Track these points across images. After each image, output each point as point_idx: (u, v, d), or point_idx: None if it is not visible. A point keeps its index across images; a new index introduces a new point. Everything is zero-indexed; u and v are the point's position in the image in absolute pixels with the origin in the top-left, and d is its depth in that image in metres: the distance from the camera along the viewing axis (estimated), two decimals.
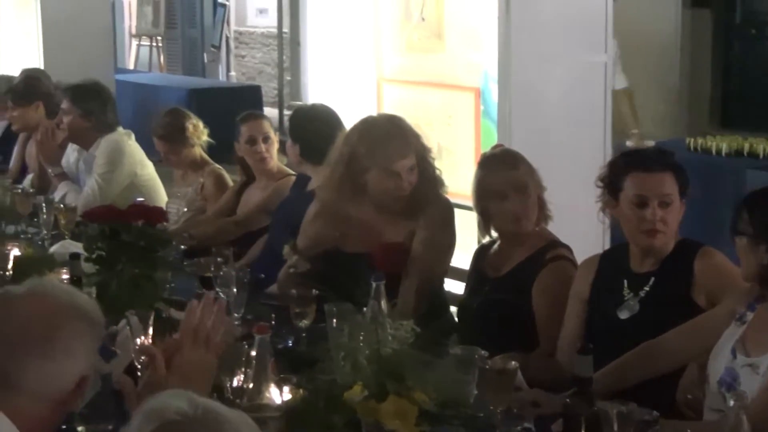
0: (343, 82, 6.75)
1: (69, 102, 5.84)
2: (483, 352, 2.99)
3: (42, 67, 8.92)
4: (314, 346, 3.36)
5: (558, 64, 5.42)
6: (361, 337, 2.97)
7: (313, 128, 4.78)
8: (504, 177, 3.84)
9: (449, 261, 4.23)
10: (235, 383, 2.92)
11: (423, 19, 5.98)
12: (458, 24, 5.82)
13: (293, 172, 5.25)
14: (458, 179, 4.83)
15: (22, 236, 4.99)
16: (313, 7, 6.85)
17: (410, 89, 6.17)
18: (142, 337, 3.22)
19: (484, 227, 3.94)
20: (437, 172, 4.19)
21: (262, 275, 4.08)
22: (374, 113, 5.83)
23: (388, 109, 6.16)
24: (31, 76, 6.79)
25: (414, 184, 4.09)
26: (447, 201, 4.21)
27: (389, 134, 4.09)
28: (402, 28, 6.13)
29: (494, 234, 3.95)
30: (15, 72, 7.79)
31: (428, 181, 4.14)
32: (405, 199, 4.10)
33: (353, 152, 4.10)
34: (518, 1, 5.30)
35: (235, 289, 3.78)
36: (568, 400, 2.69)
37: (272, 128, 5.44)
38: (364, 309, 3.19)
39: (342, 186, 4.14)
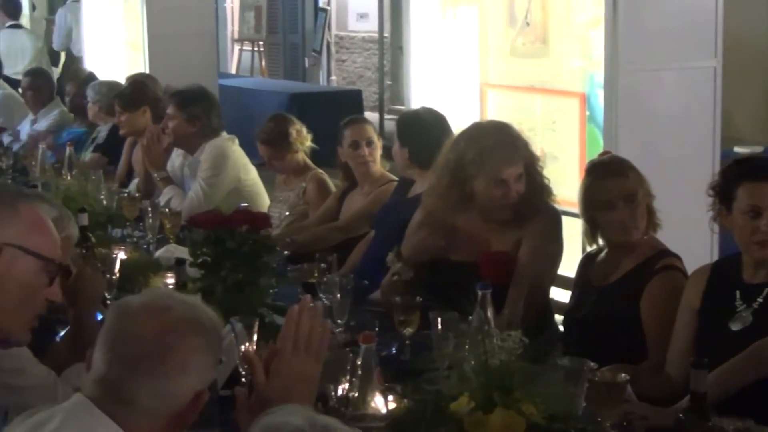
0: (446, 87, 6.73)
1: (174, 107, 5.90)
2: (592, 363, 2.92)
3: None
4: (418, 355, 3.34)
5: (666, 69, 5.32)
6: (467, 347, 2.93)
7: (422, 132, 4.76)
8: (612, 185, 3.76)
9: (556, 271, 4.16)
10: (339, 392, 2.89)
11: (528, 24, 5.91)
12: (563, 28, 5.75)
13: (395, 178, 5.23)
14: (562, 186, 4.75)
15: (128, 240, 5.06)
16: (416, 11, 6.83)
17: (514, 94, 6.11)
18: (247, 344, 3.21)
19: (591, 235, 3.87)
20: (545, 180, 4.12)
21: (366, 282, 4.05)
22: (478, 119, 5.81)
23: (492, 115, 6.12)
24: (138, 81, 6.88)
25: (521, 193, 4.03)
26: (555, 210, 4.15)
27: (497, 141, 4.04)
28: (506, 33, 6.07)
29: (601, 242, 3.88)
30: (122, 78, 7.93)
31: (536, 189, 4.08)
32: (512, 208, 4.05)
33: (460, 159, 4.06)
34: (626, 5, 5.23)
35: (338, 296, 3.76)
36: (681, 415, 2.62)
37: (375, 133, 5.42)
38: (470, 318, 3.15)
39: (448, 193, 4.10)
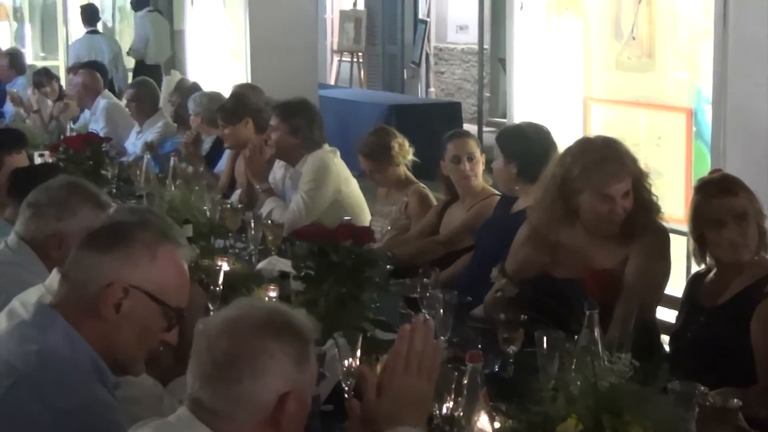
0: (549, 100, 6.65)
1: (277, 119, 5.93)
2: (703, 387, 2.85)
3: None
4: (522, 374, 3.30)
5: None
6: (573, 367, 2.88)
7: (528, 147, 4.71)
8: (722, 204, 3.68)
9: (663, 290, 4.08)
10: (444, 410, 2.86)
11: (633, 38, 5.84)
12: (671, 42, 5.66)
13: (497, 192, 5.19)
14: (667, 203, 4.66)
15: (230, 251, 5.08)
16: (519, 23, 6.77)
17: (618, 109, 6.04)
18: (350, 359, 3.20)
19: (699, 255, 3.79)
20: (654, 197, 4.05)
21: (469, 298, 4.02)
22: (581, 133, 5.75)
23: (595, 129, 6.05)
24: (240, 94, 6.92)
25: (628, 210, 3.97)
26: (663, 228, 4.07)
27: (605, 157, 3.98)
28: (611, 46, 6.01)
29: (710, 261, 3.80)
30: (224, 87, 8.00)
31: (644, 206, 4.01)
32: (618, 224, 3.98)
33: (567, 173, 4.01)
34: (736, 18, 5.11)
35: (441, 312, 3.73)
36: None
37: (478, 147, 5.38)
38: (576, 337, 3.10)
39: (553, 208, 4.05)
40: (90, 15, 13.50)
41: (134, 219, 3.00)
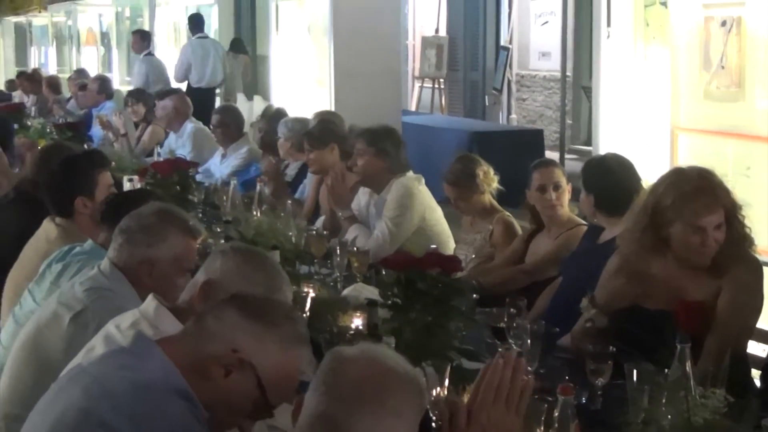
0: (635, 129, 6.61)
1: (364, 142, 5.93)
2: None
3: (333, 110, 9.21)
4: (610, 406, 3.27)
5: None
6: (664, 401, 2.85)
7: (609, 179, 4.69)
8: None
9: (755, 323, 4.02)
10: None
11: (722, 67, 5.78)
12: (760, 72, 5.59)
13: (584, 222, 5.16)
14: (757, 234, 4.59)
15: (315, 277, 5.11)
16: (606, 52, 6.74)
17: (706, 139, 5.97)
18: (438, 389, 3.19)
19: None
20: (747, 229, 4.00)
21: (557, 329, 3.99)
22: (668, 162, 5.69)
23: (682, 159, 5.99)
24: (326, 120, 6.97)
25: (720, 242, 3.91)
26: (756, 261, 4.00)
27: (697, 188, 3.94)
28: (700, 76, 5.95)
29: None
30: (308, 114, 8.06)
31: (737, 238, 3.95)
32: (710, 257, 3.93)
33: (658, 203, 3.97)
34: None
35: (528, 342, 3.71)
36: None
37: (564, 176, 5.36)
38: (666, 370, 3.07)
39: (644, 238, 4.01)
40: (196, 22, 14.36)
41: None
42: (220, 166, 8.35)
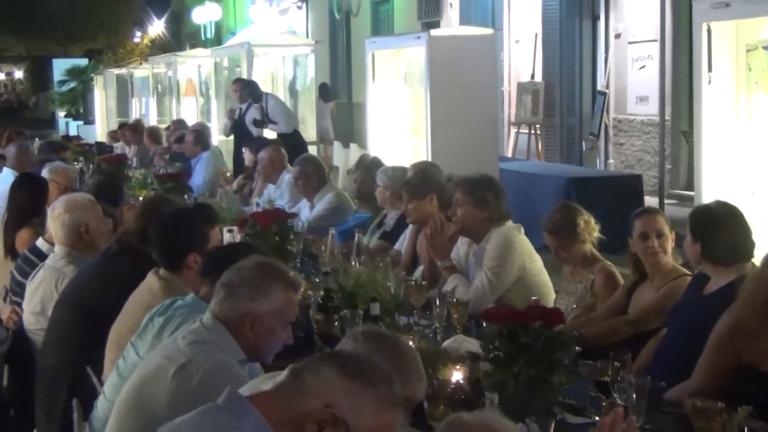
0: (738, 175, 6.49)
1: (463, 192, 5.90)
2: None
3: (430, 159, 9.21)
4: None
5: None
6: None
7: (716, 228, 4.60)
8: None
9: None
10: None
11: None
12: None
13: (688, 272, 5.06)
14: None
15: (414, 328, 5.08)
16: (707, 98, 6.64)
17: None
18: None
19: None
20: None
21: (663, 383, 3.90)
22: None
23: None
24: (425, 169, 6.95)
25: None
26: None
27: None
28: None
29: None
30: (405, 164, 8.06)
31: None
32: None
33: None
34: None
35: (634, 397, 3.64)
36: None
37: (667, 224, 5.27)
38: None
39: (763, 312, 3.89)
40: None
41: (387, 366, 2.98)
42: (308, 215, 8.32)
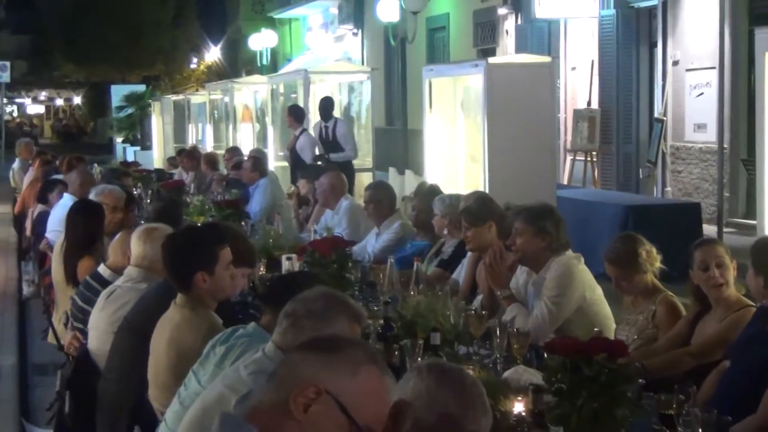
0: None
1: (523, 222, 5.88)
2: None
3: (487, 188, 9.20)
4: None
5: None
6: None
7: None
8: None
9: None
10: None
11: None
12: None
13: (753, 304, 5.00)
14: None
15: (474, 358, 5.05)
16: None
17: None
18: None
19: None
20: None
21: (729, 418, 3.85)
22: None
23: None
24: (484, 197, 6.94)
25: None
26: None
27: None
28: None
29: None
30: (462, 192, 8.05)
31: None
32: None
33: None
34: None
35: (700, 431, 3.59)
36: None
37: (728, 254, 5.21)
38: None
39: None
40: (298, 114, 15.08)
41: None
42: (374, 243, 8.34)
